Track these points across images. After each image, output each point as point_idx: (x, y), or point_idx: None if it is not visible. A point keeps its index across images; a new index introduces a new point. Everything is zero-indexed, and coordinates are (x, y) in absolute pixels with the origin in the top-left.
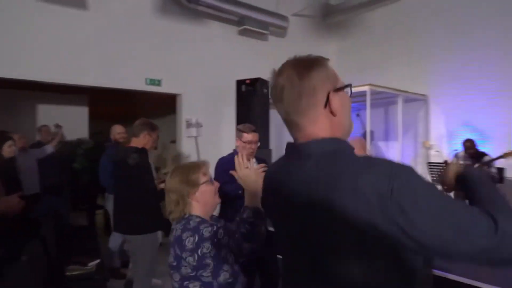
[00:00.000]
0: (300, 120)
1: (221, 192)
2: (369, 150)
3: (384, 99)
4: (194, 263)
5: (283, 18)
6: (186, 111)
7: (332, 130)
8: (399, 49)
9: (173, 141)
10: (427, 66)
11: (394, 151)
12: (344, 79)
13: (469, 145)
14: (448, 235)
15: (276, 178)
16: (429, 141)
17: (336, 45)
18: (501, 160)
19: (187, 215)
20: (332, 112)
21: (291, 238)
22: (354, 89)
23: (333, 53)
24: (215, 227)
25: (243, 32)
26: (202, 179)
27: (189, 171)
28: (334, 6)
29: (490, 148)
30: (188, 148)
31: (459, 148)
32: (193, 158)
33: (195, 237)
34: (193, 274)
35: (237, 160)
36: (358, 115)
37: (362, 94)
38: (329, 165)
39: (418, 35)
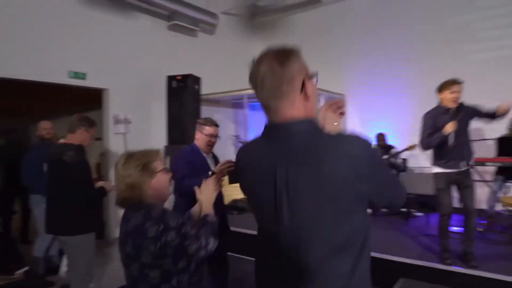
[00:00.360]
0: (280, 103)
1: (179, 186)
2: None
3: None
4: (155, 252)
5: (213, 15)
6: (114, 107)
7: (306, 112)
8: (319, 50)
9: (99, 138)
10: (343, 67)
11: None
12: None
13: (380, 138)
14: (396, 192)
15: (259, 155)
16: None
17: (262, 44)
18: (406, 151)
19: (145, 203)
20: (306, 97)
21: (279, 204)
22: None
23: (259, 52)
24: (181, 219)
25: (173, 28)
26: (160, 166)
27: (147, 158)
28: (261, 7)
29: (396, 141)
30: (116, 146)
31: (373, 141)
32: None
33: (160, 225)
34: (153, 262)
35: (205, 183)
36: None
37: None
38: (315, 140)
39: (335, 39)
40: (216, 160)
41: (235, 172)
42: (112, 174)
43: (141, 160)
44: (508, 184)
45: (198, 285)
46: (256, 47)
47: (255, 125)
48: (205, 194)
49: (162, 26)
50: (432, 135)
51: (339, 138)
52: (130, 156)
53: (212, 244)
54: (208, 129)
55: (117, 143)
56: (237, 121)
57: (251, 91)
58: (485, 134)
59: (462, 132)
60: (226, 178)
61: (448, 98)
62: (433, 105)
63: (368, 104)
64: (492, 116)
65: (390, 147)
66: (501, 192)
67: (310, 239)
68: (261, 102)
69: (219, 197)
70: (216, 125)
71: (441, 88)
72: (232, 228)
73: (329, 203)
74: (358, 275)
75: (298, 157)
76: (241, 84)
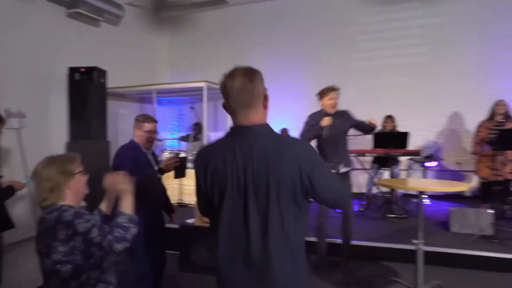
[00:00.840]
0: (248, 111)
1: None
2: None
3: (214, 94)
4: (64, 252)
5: (118, 6)
6: (5, 100)
7: (264, 119)
8: (226, 49)
9: None
10: (250, 65)
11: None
12: (176, 74)
13: (283, 133)
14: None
15: (224, 152)
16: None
17: (168, 39)
18: None
19: (59, 206)
20: (265, 107)
21: (239, 188)
22: (191, 84)
23: (165, 47)
24: (90, 224)
25: (74, 16)
26: (78, 169)
27: (66, 162)
28: (167, 2)
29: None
30: (7, 142)
31: None
32: (16, 152)
33: (69, 230)
34: (64, 259)
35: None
36: (192, 108)
37: (197, 89)
38: (274, 140)
39: (239, 39)
40: (155, 156)
41: (182, 167)
42: (4, 172)
43: (61, 163)
44: (381, 170)
45: (107, 283)
46: (162, 42)
47: (162, 120)
48: (115, 184)
49: (61, 13)
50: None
51: (291, 140)
52: (50, 160)
53: (120, 245)
54: (148, 126)
55: (9, 139)
56: None
57: (161, 86)
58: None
59: (340, 137)
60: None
61: (327, 104)
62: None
63: (271, 102)
64: (364, 130)
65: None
66: (376, 178)
67: (272, 209)
68: (231, 109)
69: (162, 193)
70: (155, 121)
71: (321, 95)
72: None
73: (286, 195)
74: (300, 239)
75: (261, 151)
76: (147, 78)
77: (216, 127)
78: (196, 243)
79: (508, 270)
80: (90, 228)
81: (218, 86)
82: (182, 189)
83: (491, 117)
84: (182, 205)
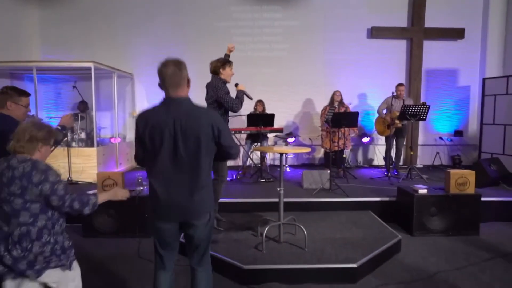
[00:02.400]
0: (177, 88)
1: None
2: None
3: (98, 74)
4: (36, 194)
5: None
6: None
7: (186, 94)
8: (103, 31)
9: None
10: (130, 49)
11: (108, 120)
12: (49, 51)
13: None
14: (233, 147)
15: (160, 114)
16: (135, 111)
17: (39, 13)
18: None
19: (30, 158)
20: (188, 87)
21: (170, 143)
22: (77, 64)
23: (36, 22)
24: (59, 178)
25: None
26: (52, 142)
27: (51, 132)
28: None
29: None
30: None
31: None
32: None
33: (42, 176)
34: (34, 199)
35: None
36: (74, 87)
37: (81, 69)
38: (194, 107)
39: (120, 23)
40: None
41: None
42: None
43: (49, 131)
44: (254, 145)
45: (64, 236)
46: (32, 16)
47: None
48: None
49: None
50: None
51: (205, 109)
52: (41, 124)
53: (77, 206)
54: (25, 100)
55: None
56: None
57: (44, 64)
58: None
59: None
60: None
61: (230, 74)
62: (202, 88)
63: (153, 83)
64: None
65: None
66: (250, 151)
67: (193, 155)
68: (165, 87)
69: None
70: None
71: (226, 64)
72: None
73: (204, 138)
74: (209, 168)
75: (186, 115)
76: (12, 52)
77: (99, 106)
78: (97, 212)
79: (338, 209)
80: (59, 181)
81: (106, 68)
82: (71, 168)
83: (331, 103)
84: (71, 183)
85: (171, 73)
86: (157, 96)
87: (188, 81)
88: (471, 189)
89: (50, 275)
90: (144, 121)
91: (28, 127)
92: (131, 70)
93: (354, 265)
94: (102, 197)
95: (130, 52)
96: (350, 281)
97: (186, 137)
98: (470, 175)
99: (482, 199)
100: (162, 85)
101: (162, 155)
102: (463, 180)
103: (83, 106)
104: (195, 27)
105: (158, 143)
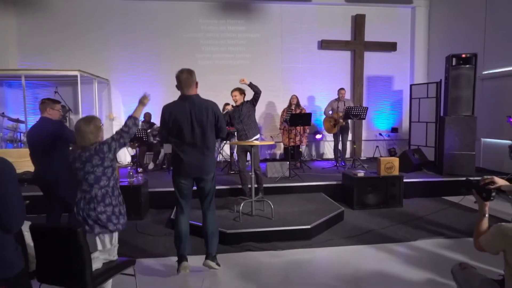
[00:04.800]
0: (190, 88)
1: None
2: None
3: (75, 80)
4: (111, 157)
5: None
6: None
7: (196, 91)
8: (83, 38)
9: None
10: (107, 57)
11: None
12: (26, 58)
13: (147, 116)
14: (223, 126)
15: (180, 105)
16: (112, 113)
17: (16, 21)
18: None
19: (93, 145)
20: (196, 87)
21: (189, 124)
22: (64, 72)
23: (13, 29)
24: (110, 140)
25: None
26: (99, 127)
27: (98, 121)
28: None
29: (155, 119)
30: None
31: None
32: None
33: (106, 147)
34: (109, 164)
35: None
36: (56, 92)
37: (66, 76)
38: (202, 101)
39: (98, 30)
40: None
41: None
42: None
43: (96, 121)
44: (223, 142)
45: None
46: (9, 23)
47: (15, 103)
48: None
49: None
50: None
51: (209, 101)
52: (89, 120)
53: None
54: (58, 106)
55: None
56: None
57: (32, 72)
58: None
59: None
60: None
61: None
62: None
63: (129, 89)
64: None
65: (153, 123)
66: (221, 148)
67: (204, 131)
68: (181, 87)
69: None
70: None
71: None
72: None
73: (209, 120)
74: (215, 142)
75: (198, 107)
76: None
77: (76, 109)
78: None
79: (296, 192)
80: (111, 141)
81: (87, 75)
82: None
83: (289, 105)
84: None
85: (185, 78)
86: (131, 99)
87: (196, 83)
88: (396, 172)
89: (114, 236)
90: (169, 111)
91: (84, 129)
92: (107, 76)
93: (309, 226)
94: (138, 112)
95: (106, 59)
96: (306, 238)
97: (198, 121)
98: (395, 161)
99: (406, 180)
100: (179, 86)
101: (183, 133)
102: (390, 165)
103: (63, 110)
104: (167, 37)
105: (180, 125)
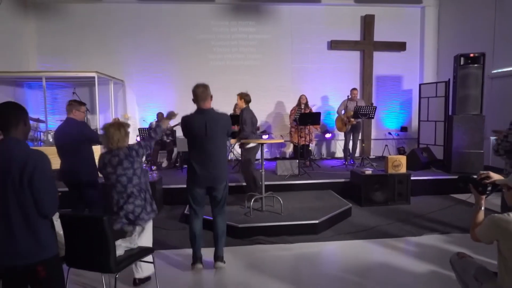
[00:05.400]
0: (205, 102)
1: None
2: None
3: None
4: (140, 160)
5: None
6: None
7: (210, 105)
8: (99, 40)
9: None
10: (122, 59)
11: (103, 122)
12: (46, 60)
13: (160, 115)
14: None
15: (196, 119)
16: (127, 113)
17: (36, 25)
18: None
19: (122, 148)
20: (211, 100)
21: (204, 137)
22: (82, 74)
23: (33, 32)
24: (137, 146)
25: None
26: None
27: (126, 127)
28: None
29: None
30: None
31: (152, 118)
32: None
33: (134, 152)
34: (138, 166)
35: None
36: (74, 93)
37: (84, 77)
38: (216, 114)
39: (113, 32)
40: None
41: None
42: None
43: (125, 127)
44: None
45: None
46: (28, 27)
47: (36, 103)
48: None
49: None
50: None
51: (222, 114)
52: (120, 125)
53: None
54: (83, 108)
55: None
56: (17, 99)
57: (51, 74)
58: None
59: None
60: None
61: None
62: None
63: (143, 89)
64: None
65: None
66: (232, 147)
67: (217, 144)
68: (197, 101)
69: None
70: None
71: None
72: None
73: (222, 132)
74: (225, 152)
75: (212, 120)
76: (9, 61)
77: (93, 109)
78: None
79: (305, 189)
80: (139, 148)
81: (104, 76)
82: None
83: (298, 104)
84: None
85: (201, 92)
86: (145, 100)
87: (211, 97)
88: (403, 170)
89: (149, 222)
90: (187, 122)
91: (114, 133)
92: (122, 77)
93: (316, 221)
94: (165, 123)
95: (121, 61)
96: (314, 233)
97: (212, 134)
98: (402, 159)
99: (414, 178)
100: (195, 99)
101: (198, 145)
102: (398, 163)
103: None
104: (179, 39)
105: (195, 137)
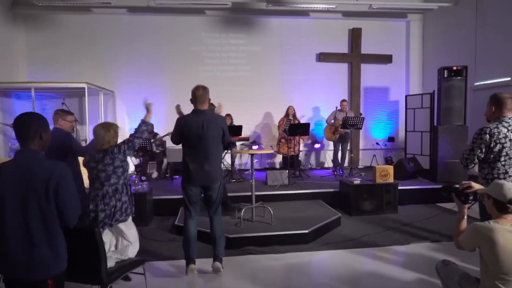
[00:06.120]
0: (203, 104)
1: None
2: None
3: (82, 91)
4: (121, 158)
5: None
6: None
7: (207, 107)
8: (90, 51)
9: None
10: (113, 70)
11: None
12: (35, 71)
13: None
14: (228, 139)
15: (194, 118)
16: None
17: (25, 36)
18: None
19: (109, 148)
20: (209, 103)
21: (200, 136)
22: (72, 84)
23: (22, 43)
24: (121, 143)
25: None
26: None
27: (115, 127)
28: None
29: (157, 129)
30: None
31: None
32: None
33: (117, 148)
34: (120, 164)
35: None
36: (63, 103)
37: (74, 88)
38: (212, 115)
39: (104, 43)
40: None
41: None
42: None
43: (115, 128)
44: (225, 152)
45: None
46: (18, 39)
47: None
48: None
49: None
50: None
51: (218, 116)
52: (109, 126)
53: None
54: (70, 117)
55: None
56: (4, 109)
57: (40, 84)
58: None
59: None
60: None
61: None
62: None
63: (133, 99)
64: None
65: (156, 134)
66: (222, 158)
67: (213, 144)
68: (196, 102)
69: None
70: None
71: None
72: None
73: (218, 133)
74: (222, 152)
75: (208, 121)
76: (5, 73)
77: (82, 120)
78: None
79: (295, 199)
80: (122, 143)
81: (94, 87)
82: None
83: (286, 115)
84: None
85: (200, 94)
86: (135, 110)
87: (209, 99)
88: (391, 179)
89: (127, 222)
90: (183, 123)
91: (104, 134)
92: (113, 88)
93: (306, 231)
94: (148, 117)
95: (111, 72)
96: (304, 243)
97: (208, 134)
98: (390, 169)
99: (401, 187)
100: (194, 100)
101: (194, 144)
102: (385, 173)
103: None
104: (171, 50)
105: (192, 137)
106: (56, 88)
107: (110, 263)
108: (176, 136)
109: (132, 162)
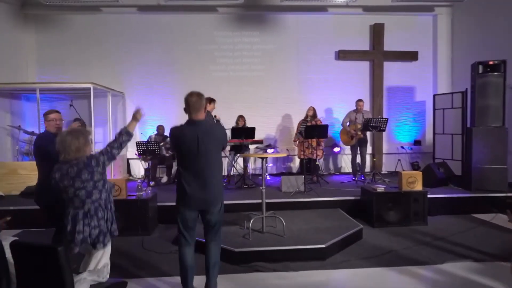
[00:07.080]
0: (198, 113)
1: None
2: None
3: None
4: (100, 171)
5: None
6: None
7: (204, 116)
8: (98, 52)
9: None
10: (123, 70)
11: (101, 135)
12: (45, 72)
13: (160, 128)
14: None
15: (187, 131)
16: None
17: (35, 36)
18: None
19: (82, 158)
20: (205, 111)
21: (196, 153)
22: (78, 85)
23: (32, 44)
24: (97, 153)
25: None
26: (89, 139)
27: (87, 134)
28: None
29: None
30: None
31: (151, 131)
32: None
33: (94, 161)
34: (99, 177)
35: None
36: (71, 105)
37: (80, 89)
38: (210, 125)
39: (114, 43)
40: None
41: None
42: None
43: (86, 134)
44: (237, 156)
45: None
46: (28, 39)
47: (30, 114)
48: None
49: None
50: None
51: (217, 126)
52: (79, 132)
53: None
54: (52, 116)
55: None
56: (13, 112)
57: (46, 85)
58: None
59: None
60: None
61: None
62: None
63: (143, 101)
64: None
65: (167, 136)
66: (234, 161)
67: (210, 161)
68: (189, 111)
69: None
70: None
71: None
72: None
73: (216, 147)
74: (221, 168)
75: (205, 132)
76: (8, 74)
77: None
78: None
79: (311, 208)
80: (99, 155)
81: (102, 88)
82: None
83: (305, 117)
84: None
85: (194, 101)
86: (145, 112)
87: (205, 107)
88: (419, 187)
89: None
90: (178, 134)
91: (72, 142)
92: (122, 89)
93: (323, 246)
94: (132, 126)
95: (121, 73)
96: (320, 259)
97: (205, 149)
98: (418, 175)
99: (431, 196)
100: (187, 109)
101: (189, 161)
102: (413, 179)
103: (79, 123)
104: (181, 50)
105: (186, 153)
106: (62, 89)
107: (84, 286)
108: (174, 149)
109: (142, 166)
